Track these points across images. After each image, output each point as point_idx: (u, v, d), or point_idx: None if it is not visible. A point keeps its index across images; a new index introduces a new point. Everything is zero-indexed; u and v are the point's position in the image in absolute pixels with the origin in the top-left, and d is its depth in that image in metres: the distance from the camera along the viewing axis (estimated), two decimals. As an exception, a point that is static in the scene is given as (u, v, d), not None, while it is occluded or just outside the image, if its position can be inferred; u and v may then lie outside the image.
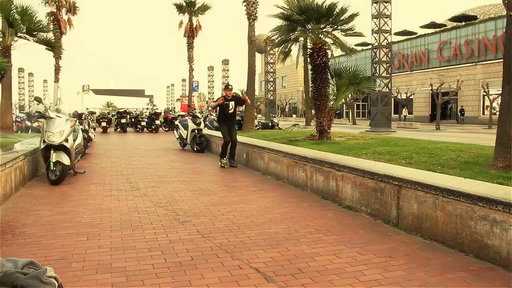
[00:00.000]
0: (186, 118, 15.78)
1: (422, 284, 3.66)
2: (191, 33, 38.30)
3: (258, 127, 21.84)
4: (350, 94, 31.03)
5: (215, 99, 15.08)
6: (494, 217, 4.14)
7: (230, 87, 11.20)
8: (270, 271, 3.91)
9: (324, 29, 11.72)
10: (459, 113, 43.88)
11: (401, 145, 8.96)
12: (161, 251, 4.45)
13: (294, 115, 68.94)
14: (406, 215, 5.28)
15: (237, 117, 14.23)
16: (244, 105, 15.62)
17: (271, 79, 47.61)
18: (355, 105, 53.40)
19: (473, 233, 4.37)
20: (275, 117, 27.27)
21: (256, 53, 45.58)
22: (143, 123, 27.86)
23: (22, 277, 1.61)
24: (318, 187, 7.34)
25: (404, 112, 51.91)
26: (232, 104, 10.93)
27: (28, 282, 1.76)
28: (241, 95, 12.13)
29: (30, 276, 1.81)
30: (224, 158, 11.03)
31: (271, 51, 42.87)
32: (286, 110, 73.32)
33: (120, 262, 4.13)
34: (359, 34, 11.98)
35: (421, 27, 56.55)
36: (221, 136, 11.13)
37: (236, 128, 11.82)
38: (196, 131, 14.76)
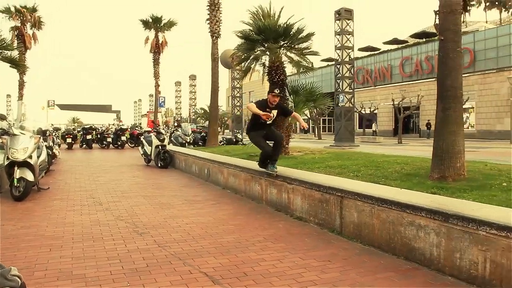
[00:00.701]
0: (151, 134, 16.10)
1: (352, 283, 4.12)
2: (157, 49, 38.69)
3: (222, 142, 22.27)
4: (315, 110, 31.77)
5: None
6: (419, 223, 4.65)
7: (276, 91, 7.91)
8: (218, 275, 4.31)
9: (282, 48, 12.28)
10: (426, 127, 45.07)
11: (353, 159, 9.51)
12: (119, 260, 4.80)
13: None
14: (348, 223, 5.76)
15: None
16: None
17: (238, 94, 48.12)
18: (321, 120, 54.43)
19: (403, 237, 4.87)
20: (239, 132, 27.76)
21: (224, 68, 46.06)
22: (109, 139, 27.94)
23: (-12, 275, 1.97)
24: (272, 199, 7.79)
25: (374, 126, 53.20)
26: (274, 113, 7.94)
27: (-6, 279, 2.13)
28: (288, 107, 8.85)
29: (-5, 274, 2.17)
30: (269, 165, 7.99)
31: (238, 67, 43.52)
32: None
33: (80, 270, 4.45)
34: (315, 53, 12.56)
35: (384, 43, 58.27)
36: (190, 153, 11.15)
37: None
38: (160, 147, 15.09)
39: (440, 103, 7.03)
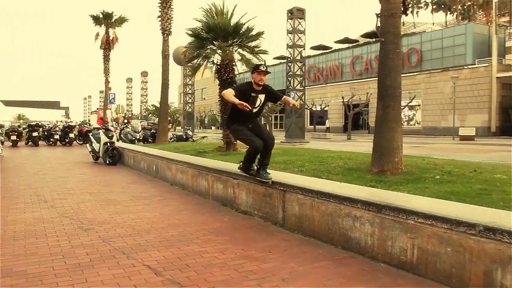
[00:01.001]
0: (99, 131, 15.90)
1: (290, 272, 4.30)
2: (107, 45, 38.01)
3: (172, 139, 22.21)
4: (266, 107, 32.10)
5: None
6: (355, 214, 4.89)
7: (263, 68, 6.42)
8: (160, 267, 4.41)
9: (232, 47, 12.41)
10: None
11: (299, 155, 9.75)
12: (62, 255, 4.80)
13: (213, 127, 69.54)
14: (290, 216, 5.96)
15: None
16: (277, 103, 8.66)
17: (190, 91, 47.96)
18: (272, 116, 54.91)
19: (340, 228, 5.10)
20: (189, 129, 27.71)
21: (176, 65, 45.73)
22: (56, 136, 27.28)
23: None
24: (219, 194, 7.92)
25: (327, 123, 54.23)
26: (260, 99, 6.54)
27: None
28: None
29: None
30: (253, 166, 6.85)
31: (190, 64, 43.38)
32: (206, 122, 73.79)
33: (21, 267, 4.44)
34: (264, 52, 12.77)
35: (336, 42, 59.43)
36: (138, 150, 10.91)
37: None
38: (108, 144, 14.94)
39: (380, 102, 7.33)
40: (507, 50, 45.05)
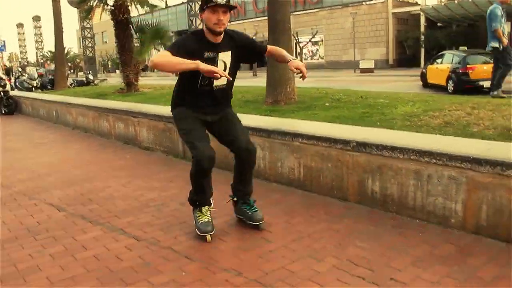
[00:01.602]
0: (-11, 81, 15.05)
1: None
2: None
3: (73, 85, 21.48)
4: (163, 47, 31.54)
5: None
6: (248, 141, 5.25)
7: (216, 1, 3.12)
8: (63, 203, 4.56)
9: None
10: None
11: (200, 92, 9.95)
12: (-44, 206, 4.76)
13: (117, 71, 67.21)
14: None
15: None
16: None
17: (89, 35, 45.81)
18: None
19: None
20: (90, 73, 26.82)
21: (74, 8, 43.21)
22: None
23: None
24: (120, 134, 8.03)
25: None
26: (224, 61, 3.41)
27: None
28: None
29: None
30: (204, 208, 3.91)
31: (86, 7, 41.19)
32: (109, 66, 71.11)
33: None
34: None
35: (237, -22, 58.46)
36: (36, 97, 10.43)
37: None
38: (2, 93, 14.26)
39: (270, 36, 7.67)
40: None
